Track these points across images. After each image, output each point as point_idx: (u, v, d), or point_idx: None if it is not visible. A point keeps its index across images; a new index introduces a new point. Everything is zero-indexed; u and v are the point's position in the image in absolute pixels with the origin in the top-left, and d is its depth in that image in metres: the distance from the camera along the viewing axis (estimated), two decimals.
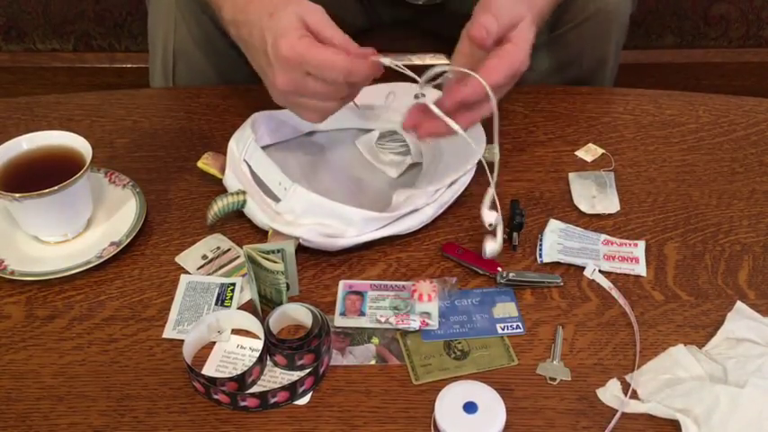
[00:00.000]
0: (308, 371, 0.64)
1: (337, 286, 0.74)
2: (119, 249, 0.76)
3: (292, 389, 0.63)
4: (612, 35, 1.01)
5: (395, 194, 0.78)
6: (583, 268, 0.75)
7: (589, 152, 0.89)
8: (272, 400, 0.63)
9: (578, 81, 1.04)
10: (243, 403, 0.63)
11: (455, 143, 0.83)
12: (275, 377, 0.65)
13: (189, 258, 0.77)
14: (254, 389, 0.64)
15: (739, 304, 0.71)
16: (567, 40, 1.01)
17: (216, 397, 0.63)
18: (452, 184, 0.79)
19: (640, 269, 0.75)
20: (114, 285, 0.74)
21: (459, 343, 0.69)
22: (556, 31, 1.02)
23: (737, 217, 0.81)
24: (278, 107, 0.87)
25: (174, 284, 0.74)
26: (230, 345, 0.68)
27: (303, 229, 0.73)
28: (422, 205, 0.77)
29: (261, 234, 0.78)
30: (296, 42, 0.67)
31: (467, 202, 0.82)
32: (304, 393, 0.64)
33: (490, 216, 0.70)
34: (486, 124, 0.86)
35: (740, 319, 0.69)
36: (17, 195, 0.71)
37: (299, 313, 0.69)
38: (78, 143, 0.77)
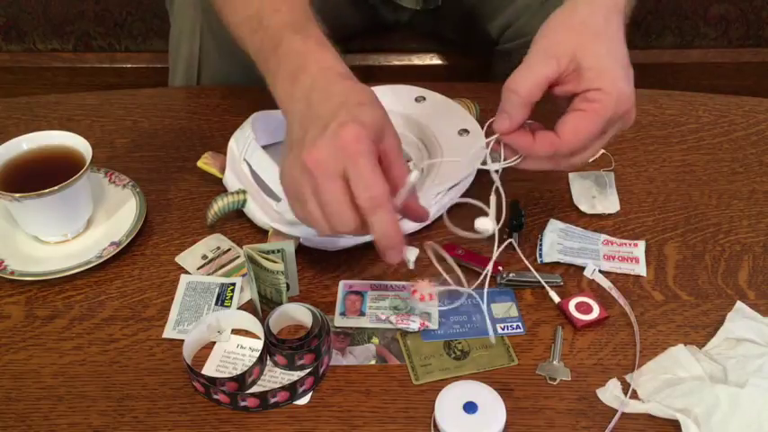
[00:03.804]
0: (308, 371, 0.64)
1: (337, 286, 0.74)
2: (119, 249, 0.76)
3: (292, 389, 0.63)
4: None
5: (396, 195, 0.78)
6: (583, 268, 0.75)
7: None
8: (272, 400, 0.63)
9: None
10: (243, 403, 0.63)
11: (456, 148, 0.83)
12: (275, 377, 0.65)
13: (189, 258, 0.77)
14: (254, 389, 0.64)
15: (739, 304, 0.71)
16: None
17: (216, 397, 0.63)
18: (453, 186, 0.79)
19: (640, 269, 0.75)
20: (114, 285, 0.74)
21: (459, 343, 0.68)
22: (520, 40, 1.01)
23: (737, 217, 0.81)
24: (278, 108, 0.87)
25: (174, 284, 0.74)
26: (230, 345, 0.68)
27: (304, 229, 0.73)
28: None
29: (261, 234, 0.78)
30: (365, 138, 0.58)
31: (467, 203, 0.82)
32: (304, 393, 0.64)
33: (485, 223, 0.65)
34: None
35: (740, 319, 0.69)
36: (17, 195, 0.71)
37: (298, 313, 0.69)
38: (78, 143, 0.77)
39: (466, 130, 0.84)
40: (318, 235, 0.64)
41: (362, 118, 0.59)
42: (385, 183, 0.59)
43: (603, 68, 0.61)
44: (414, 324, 0.69)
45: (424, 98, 0.90)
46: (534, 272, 0.74)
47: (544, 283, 0.73)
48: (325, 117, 0.60)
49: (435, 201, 0.78)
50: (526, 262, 0.75)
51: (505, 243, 0.71)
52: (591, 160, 0.66)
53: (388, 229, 0.60)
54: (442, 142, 0.84)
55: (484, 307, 0.66)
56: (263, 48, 0.69)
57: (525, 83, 0.62)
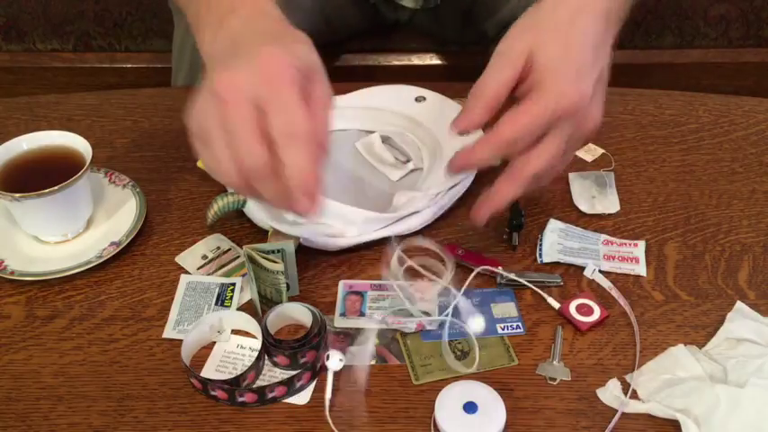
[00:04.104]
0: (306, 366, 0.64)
1: (337, 286, 0.74)
2: (119, 249, 0.76)
3: (290, 383, 0.63)
4: None
5: (396, 196, 0.78)
6: (583, 268, 0.75)
7: (589, 152, 0.89)
8: (270, 395, 0.63)
9: None
10: (241, 399, 0.63)
11: (456, 148, 0.83)
12: (275, 377, 0.65)
13: (189, 258, 0.77)
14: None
15: (739, 304, 0.71)
16: None
17: (213, 393, 0.63)
18: (453, 187, 0.79)
19: (640, 269, 0.75)
20: (114, 285, 0.74)
21: (460, 343, 0.68)
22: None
23: (737, 217, 0.81)
24: None
25: (174, 284, 0.74)
26: (230, 345, 0.68)
27: (303, 229, 0.73)
28: (422, 207, 0.77)
29: (261, 234, 0.78)
30: (291, 66, 0.53)
31: (467, 203, 0.82)
32: (302, 388, 0.64)
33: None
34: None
35: (740, 319, 0.69)
36: (17, 195, 0.71)
37: (296, 312, 0.69)
38: (78, 143, 0.77)
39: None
40: (230, 187, 0.56)
41: (295, 52, 0.54)
42: (309, 119, 0.52)
43: (552, 68, 0.59)
44: (410, 324, 0.68)
45: (424, 98, 0.90)
46: (531, 277, 0.74)
47: (542, 293, 0.73)
48: (243, 46, 0.54)
49: (435, 201, 0.78)
50: (512, 278, 0.74)
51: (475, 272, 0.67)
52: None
53: (304, 166, 0.53)
54: (443, 142, 0.84)
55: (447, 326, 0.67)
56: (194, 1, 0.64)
57: (487, 88, 0.61)
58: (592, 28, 0.61)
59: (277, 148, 0.53)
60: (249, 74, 0.52)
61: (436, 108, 0.88)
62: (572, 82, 0.59)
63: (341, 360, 0.63)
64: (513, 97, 0.62)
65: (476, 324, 0.68)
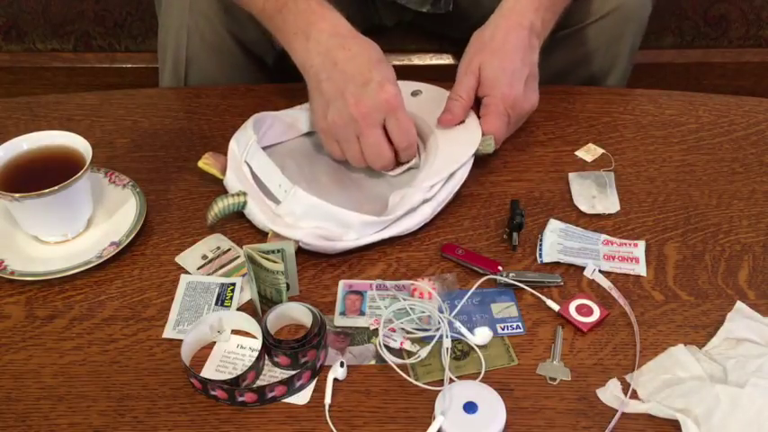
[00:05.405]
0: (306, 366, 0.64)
1: (337, 286, 0.74)
2: (119, 249, 0.76)
3: (289, 382, 0.63)
4: (628, 33, 1.01)
5: (391, 196, 0.78)
6: (583, 268, 0.75)
7: (589, 152, 0.90)
8: (270, 395, 0.63)
9: (591, 79, 1.04)
10: (240, 398, 0.63)
11: (450, 138, 0.83)
12: (275, 377, 0.65)
13: (189, 258, 0.77)
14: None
15: (739, 304, 0.71)
16: (584, 36, 1.01)
17: (213, 393, 0.63)
18: (449, 179, 0.79)
19: (640, 269, 0.75)
20: (114, 285, 0.74)
21: (459, 343, 0.68)
22: (573, 27, 1.01)
23: (737, 217, 0.81)
24: (278, 108, 0.87)
25: (174, 284, 0.74)
26: (230, 345, 0.68)
27: (302, 232, 0.73)
28: (417, 203, 0.77)
29: (261, 234, 0.78)
30: (398, 94, 0.77)
31: (466, 202, 0.82)
32: (302, 387, 0.64)
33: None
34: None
35: (740, 319, 0.69)
36: (17, 195, 0.71)
37: (295, 312, 0.69)
38: (78, 143, 0.77)
39: (461, 121, 0.84)
40: (353, 164, 0.81)
41: (389, 76, 0.77)
42: (412, 128, 0.80)
43: (494, 78, 0.84)
44: (394, 343, 0.68)
45: (420, 92, 0.90)
46: (531, 277, 0.74)
47: (541, 296, 0.73)
48: (358, 74, 0.76)
49: (431, 194, 0.77)
50: (512, 278, 0.74)
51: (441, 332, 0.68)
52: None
53: (414, 151, 0.82)
54: (438, 135, 0.84)
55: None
56: (266, 8, 0.82)
57: (463, 91, 0.84)
58: (519, 42, 0.84)
59: (399, 150, 0.80)
60: (376, 105, 0.76)
61: (432, 101, 0.88)
62: (507, 87, 0.83)
63: (342, 366, 0.64)
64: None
65: (478, 337, 0.68)
